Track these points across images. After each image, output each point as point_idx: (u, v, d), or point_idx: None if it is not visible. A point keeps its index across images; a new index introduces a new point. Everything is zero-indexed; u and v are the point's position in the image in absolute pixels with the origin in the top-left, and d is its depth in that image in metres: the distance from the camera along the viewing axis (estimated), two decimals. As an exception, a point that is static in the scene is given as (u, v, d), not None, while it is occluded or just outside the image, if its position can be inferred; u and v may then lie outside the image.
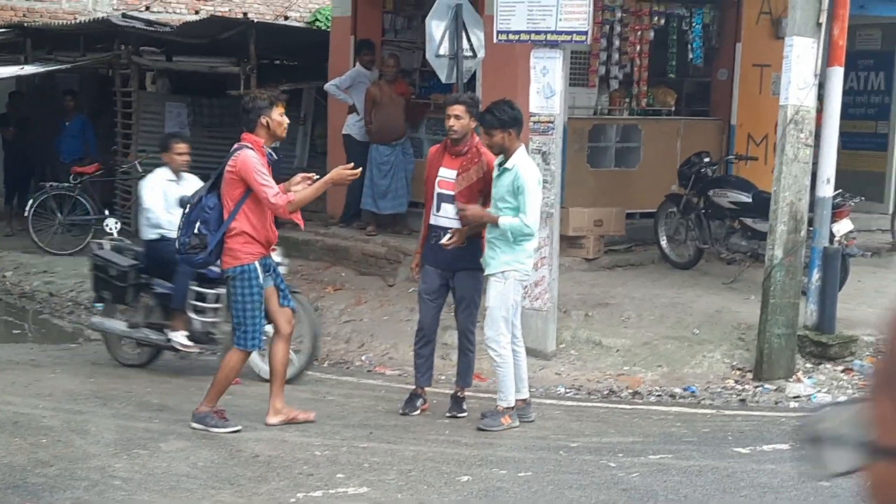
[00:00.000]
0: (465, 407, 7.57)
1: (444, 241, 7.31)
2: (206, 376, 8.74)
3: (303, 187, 6.99)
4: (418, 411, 7.57)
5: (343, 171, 6.95)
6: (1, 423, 7.14)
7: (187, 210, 7.05)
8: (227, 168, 6.88)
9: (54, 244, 14.04)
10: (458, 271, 7.45)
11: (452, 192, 7.37)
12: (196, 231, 6.95)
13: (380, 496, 5.88)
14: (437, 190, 7.43)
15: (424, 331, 7.60)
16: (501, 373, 7.31)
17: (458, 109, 7.34)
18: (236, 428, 6.98)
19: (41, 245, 13.97)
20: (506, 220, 7.11)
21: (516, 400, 7.44)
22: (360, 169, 7.02)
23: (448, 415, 7.50)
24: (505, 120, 7.18)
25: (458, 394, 7.61)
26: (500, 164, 7.26)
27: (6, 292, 12.64)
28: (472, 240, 7.38)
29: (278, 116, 6.95)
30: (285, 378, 7.29)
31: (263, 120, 6.92)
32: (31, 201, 14.16)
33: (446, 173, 7.41)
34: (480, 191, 7.37)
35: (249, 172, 6.78)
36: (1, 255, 14.20)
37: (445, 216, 7.42)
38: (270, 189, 6.75)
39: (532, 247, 7.39)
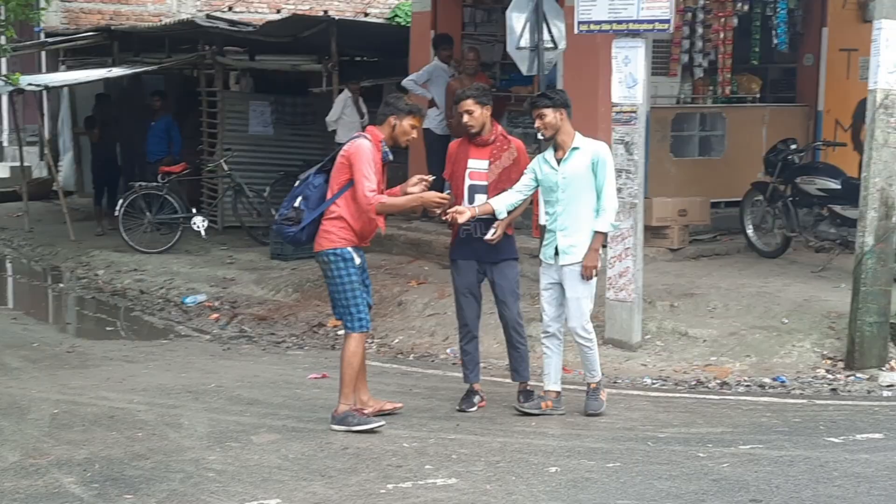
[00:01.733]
0: (535, 397, 7.53)
1: (489, 236, 7.27)
2: (294, 371, 8.90)
3: (419, 189, 7.01)
4: (475, 408, 7.54)
5: (434, 197, 6.94)
6: (97, 418, 7.32)
7: (296, 184, 7.13)
8: (341, 153, 6.93)
9: (144, 243, 14.33)
10: (497, 263, 7.41)
11: (486, 183, 7.34)
12: (296, 205, 7.03)
13: (468, 487, 5.91)
14: (469, 182, 7.37)
15: (469, 327, 7.55)
16: (592, 355, 7.32)
17: (467, 105, 7.30)
18: (380, 423, 6.98)
19: (131, 244, 14.27)
20: (605, 222, 7.21)
21: (550, 391, 7.45)
22: (452, 199, 7.10)
23: (518, 411, 7.45)
24: (555, 99, 7.21)
25: (526, 388, 7.59)
26: (558, 150, 7.22)
27: (98, 290, 12.93)
28: (508, 231, 7.38)
29: (408, 126, 6.97)
30: (365, 371, 7.30)
31: (393, 120, 6.97)
32: (121, 201, 14.47)
33: (476, 164, 7.38)
34: (512, 177, 7.34)
35: (357, 161, 6.81)
36: (92, 254, 14.54)
37: None
38: (369, 183, 6.77)
39: None
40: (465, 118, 7.33)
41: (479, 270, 7.48)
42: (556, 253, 7.28)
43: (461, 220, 7.18)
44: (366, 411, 7.15)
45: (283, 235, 7.23)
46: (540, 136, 7.55)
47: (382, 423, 7.01)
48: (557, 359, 7.46)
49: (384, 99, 7.11)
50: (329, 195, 6.94)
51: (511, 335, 7.56)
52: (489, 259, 7.42)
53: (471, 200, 7.37)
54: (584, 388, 7.52)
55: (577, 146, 7.22)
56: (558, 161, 7.25)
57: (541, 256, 7.48)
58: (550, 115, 7.19)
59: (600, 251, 7.29)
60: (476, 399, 7.59)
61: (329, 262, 6.95)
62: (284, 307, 11.47)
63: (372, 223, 6.99)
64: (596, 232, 7.21)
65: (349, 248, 6.91)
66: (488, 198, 7.31)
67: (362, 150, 6.84)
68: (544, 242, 7.43)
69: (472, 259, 7.46)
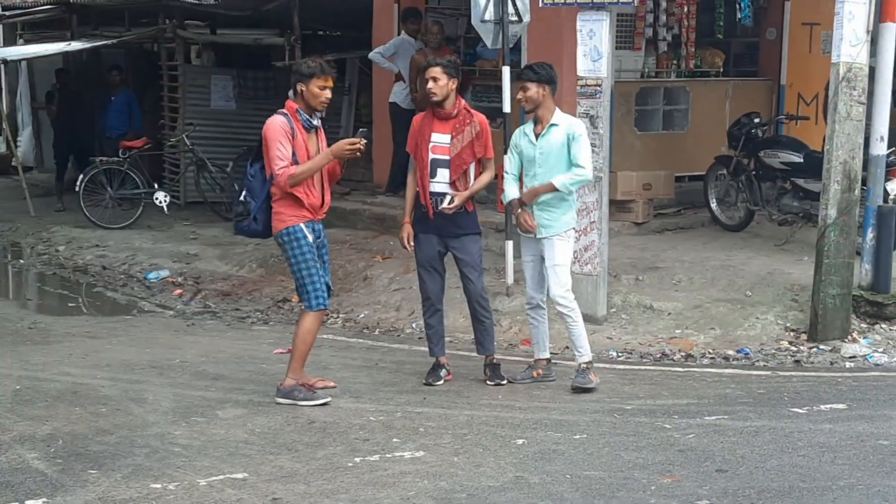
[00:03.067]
0: (502, 373, 7.55)
1: (444, 205, 7.30)
2: (259, 346, 8.85)
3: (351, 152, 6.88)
4: (441, 381, 7.54)
5: (343, 145, 6.82)
6: (60, 394, 7.25)
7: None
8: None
9: (105, 218, 14.18)
10: (459, 237, 7.41)
11: (448, 157, 7.33)
12: (242, 199, 6.99)
13: (436, 460, 5.91)
14: (432, 156, 7.36)
15: (432, 300, 7.54)
16: (576, 329, 7.34)
17: (435, 72, 7.28)
18: (325, 400, 6.96)
19: (92, 219, 14.11)
20: (562, 179, 7.16)
21: (540, 359, 7.53)
22: (364, 141, 6.92)
23: (491, 383, 7.50)
24: (541, 74, 7.23)
25: (492, 361, 7.61)
26: (537, 124, 7.30)
27: (60, 266, 12.79)
28: (468, 206, 7.39)
29: (316, 88, 6.82)
30: (308, 349, 7.24)
31: (300, 87, 6.88)
32: (81, 176, 14.30)
33: (439, 138, 7.36)
34: (475, 151, 7.35)
35: (267, 140, 6.78)
36: (53, 229, 14.37)
37: (442, 181, 7.35)
38: (280, 161, 6.72)
39: None
40: (430, 84, 7.29)
41: (440, 244, 7.46)
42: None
43: (452, 207, 7.25)
44: (316, 386, 7.13)
45: (241, 232, 7.23)
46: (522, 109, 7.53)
47: (329, 399, 6.99)
48: (543, 327, 7.55)
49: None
50: (266, 178, 6.89)
51: (475, 309, 7.55)
52: (449, 233, 7.41)
53: (433, 175, 7.36)
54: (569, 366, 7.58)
55: (556, 122, 7.26)
56: (536, 136, 7.27)
57: (519, 230, 7.49)
58: (533, 89, 7.22)
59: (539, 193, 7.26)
60: (443, 372, 7.59)
61: (284, 244, 6.93)
62: (249, 283, 11.40)
63: (318, 196, 6.91)
64: (550, 183, 7.19)
65: (300, 226, 6.86)
66: (451, 173, 7.30)
67: (270, 127, 6.79)
68: None
69: (433, 233, 7.44)
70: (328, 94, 6.88)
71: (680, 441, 6.22)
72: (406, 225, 7.57)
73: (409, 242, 7.54)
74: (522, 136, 7.40)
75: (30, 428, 6.44)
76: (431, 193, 7.37)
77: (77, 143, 16.38)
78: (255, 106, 15.63)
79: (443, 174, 7.36)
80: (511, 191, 7.43)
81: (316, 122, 6.97)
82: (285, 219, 6.87)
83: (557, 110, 7.33)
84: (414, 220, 7.52)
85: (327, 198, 7.05)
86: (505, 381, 7.50)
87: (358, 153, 6.88)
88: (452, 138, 7.34)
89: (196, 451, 6.07)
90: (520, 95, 7.30)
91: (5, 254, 14.00)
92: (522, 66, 11.13)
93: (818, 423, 6.57)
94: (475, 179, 7.41)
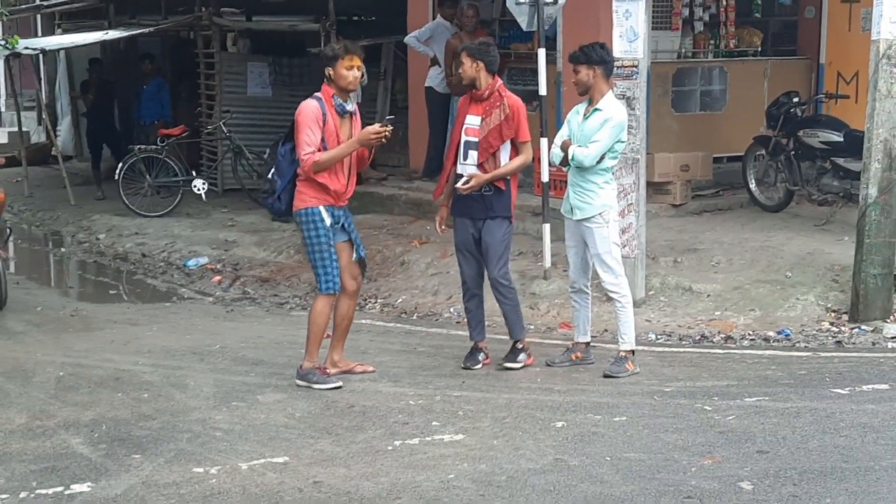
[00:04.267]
0: (521, 358, 7.51)
1: (459, 185, 7.30)
2: (298, 332, 8.88)
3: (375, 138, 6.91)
4: (480, 365, 7.53)
5: (369, 132, 6.82)
6: (103, 380, 7.33)
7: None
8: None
9: (144, 206, 14.30)
10: (485, 220, 7.38)
11: (477, 139, 7.32)
12: (269, 176, 7.06)
13: (475, 443, 5.92)
14: (465, 138, 7.37)
15: (468, 284, 7.54)
16: (624, 315, 7.31)
17: (461, 56, 7.36)
18: (337, 384, 7.03)
19: (132, 207, 14.22)
20: (575, 149, 7.16)
21: (579, 342, 7.53)
22: (390, 128, 6.93)
23: (498, 365, 7.49)
24: (592, 56, 7.18)
25: (517, 345, 7.58)
26: (589, 105, 7.29)
27: (100, 254, 12.92)
28: (501, 189, 7.35)
29: (342, 69, 6.84)
30: (346, 333, 7.34)
31: (328, 71, 6.91)
32: (120, 164, 14.42)
33: (472, 120, 7.37)
34: (503, 134, 7.31)
35: (298, 124, 6.84)
36: (93, 218, 14.51)
37: (472, 163, 7.35)
38: (307, 147, 6.77)
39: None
40: (460, 70, 7.39)
41: (473, 228, 7.46)
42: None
43: (466, 187, 7.25)
44: (329, 371, 7.18)
45: (266, 207, 7.35)
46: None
47: (340, 383, 7.03)
48: (585, 311, 7.53)
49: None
50: (294, 159, 6.94)
51: (494, 293, 7.53)
52: (478, 216, 7.40)
53: (465, 157, 7.39)
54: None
55: (600, 108, 7.22)
56: (584, 117, 7.26)
57: (561, 210, 7.48)
58: (584, 71, 7.21)
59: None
60: (480, 356, 7.59)
61: (300, 223, 7.00)
62: (286, 268, 11.45)
63: (343, 181, 6.94)
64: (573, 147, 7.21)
65: (320, 208, 6.91)
66: (478, 155, 7.31)
67: (304, 111, 6.84)
68: (564, 196, 7.46)
69: (465, 217, 7.45)
70: (356, 73, 6.89)
71: (720, 423, 6.19)
72: (442, 208, 7.58)
73: (439, 226, 7.55)
74: (575, 113, 7.40)
75: (74, 414, 6.53)
76: (457, 175, 7.39)
77: (110, 132, 16.55)
78: (291, 92, 15.65)
79: (473, 156, 7.37)
80: (556, 149, 7.39)
81: (350, 107, 6.98)
82: (306, 199, 6.93)
83: (608, 95, 7.27)
84: (451, 203, 7.53)
85: (352, 184, 7.08)
86: (515, 366, 7.46)
87: (384, 139, 6.90)
88: (482, 120, 7.34)
89: (237, 435, 6.12)
90: (572, 79, 7.28)
91: (47, 242, 14.17)
92: (558, 48, 11.16)
93: (860, 403, 6.52)
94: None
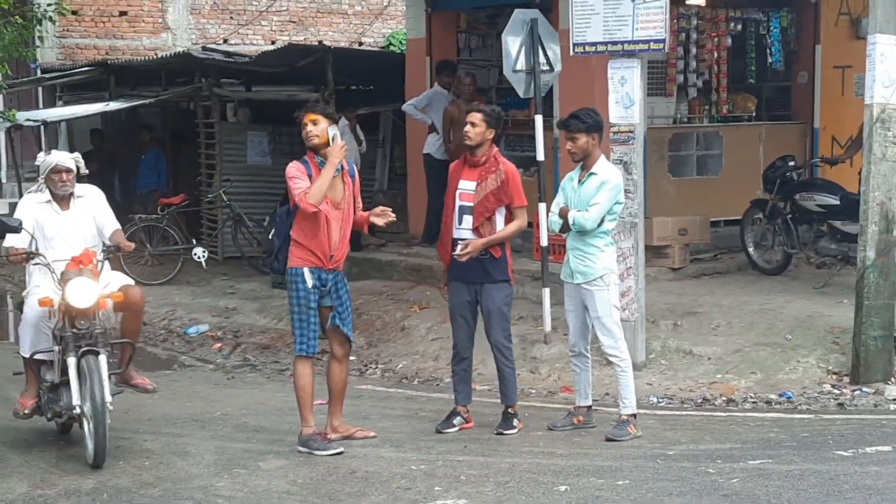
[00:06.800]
0: (515, 423, 7.50)
1: (457, 251, 7.34)
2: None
3: (382, 221, 7.20)
4: (456, 429, 7.52)
5: (335, 147, 6.97)
6: (104, 448, 7.29)
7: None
8: None
9: (145, 275, 14.28)
10: (484, 284, 7.42)
11: (472, 204, 7.39)
12: (269, 237, 7.24)
13: (479, 508, 5.90)
14: (459, 203, 7.45)
15: (458, 348, 7.57)
16: (624, 379, 7.31)
17: (475, 117, 7.42)
18: (339, 450, 7.01)
19: (132, 276, 14.16)
20: (575, 214, 7.22)
21: (581, 406, 7.53)
22: (392, 217, 7.23)
23: (495, 432, 7.46)
24: (590, 123, 7.27)
25: (509, 410, 7.56)
26: (583, 170, 7.37)
27: (100, 323, 12.90)
28: (496, 254, 7.39)
29: (304, 130, 7.07)
30: (342, 397, 7.36)
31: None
32: (120, 234, 14.46)
33: (466, 185, 7.44)
34: (499, 200, 7.38)
35: (287, 180, 7.04)
36: (93, 287, 14.50)
37: (467, 228, 7.42)
38: (298, 189, 6.93)
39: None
40: (468, 127, 7.42)
41: (469, 292, 7.48)
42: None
43: (463, 253, 7.29)
44: (330, 436, 7.19)
45: (269, 268, 7.56)
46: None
47: (341, 449, 7.02)
48: (586, 375, 7.53)
49: None
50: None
51: (496, 357, 7.57)
52: (476, 280, 7.44)
53: (459, 221, 7.45)
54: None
55: (595, 172, 7.30)
56: (579, 182, 7.33)
57: (561, 276, 7.51)
58: (583, 139, 7.27)
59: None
60: (457, 421, 7.58)
61: (286, 282, 7.16)
62: (287, 335, 11.42)
63: (331, 244, 7.01)
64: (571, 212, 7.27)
65: (304, 269, 7.02)
66: (473, 220, 7.36)
67: (289, 169, 7.07)
68: (564, 262, 7.51)
69: (461, 281, 7.48)
70: (310, 128, 7.04)
71: (724, 485, 6.17)
72: (445, 274, 7.63)
73: (444, 293, 7.62)
74: (569, 179, 7.48)
75: (74, 482, 6.50)
76: (454, 240, 7.43)
77: (109, 201, 16.65)
78: (291, 161, 15.75)
79: (468, 221, 7.43)
80: (555, 216, 7.46)
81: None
82: (293, 259, 7.08)
83: (602, 159, 7.37)
84: (447, 267, 7.58)
85: (343, 248, 7.14)
86: (510, 432, 7.45)
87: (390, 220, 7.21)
88: (477, 185, 7.41)
89: (239, 502, 6.09)
90: (569, 146, 7.33)
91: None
92: (554, 114, 11.28)
93: (864, 465, 6.50)
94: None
